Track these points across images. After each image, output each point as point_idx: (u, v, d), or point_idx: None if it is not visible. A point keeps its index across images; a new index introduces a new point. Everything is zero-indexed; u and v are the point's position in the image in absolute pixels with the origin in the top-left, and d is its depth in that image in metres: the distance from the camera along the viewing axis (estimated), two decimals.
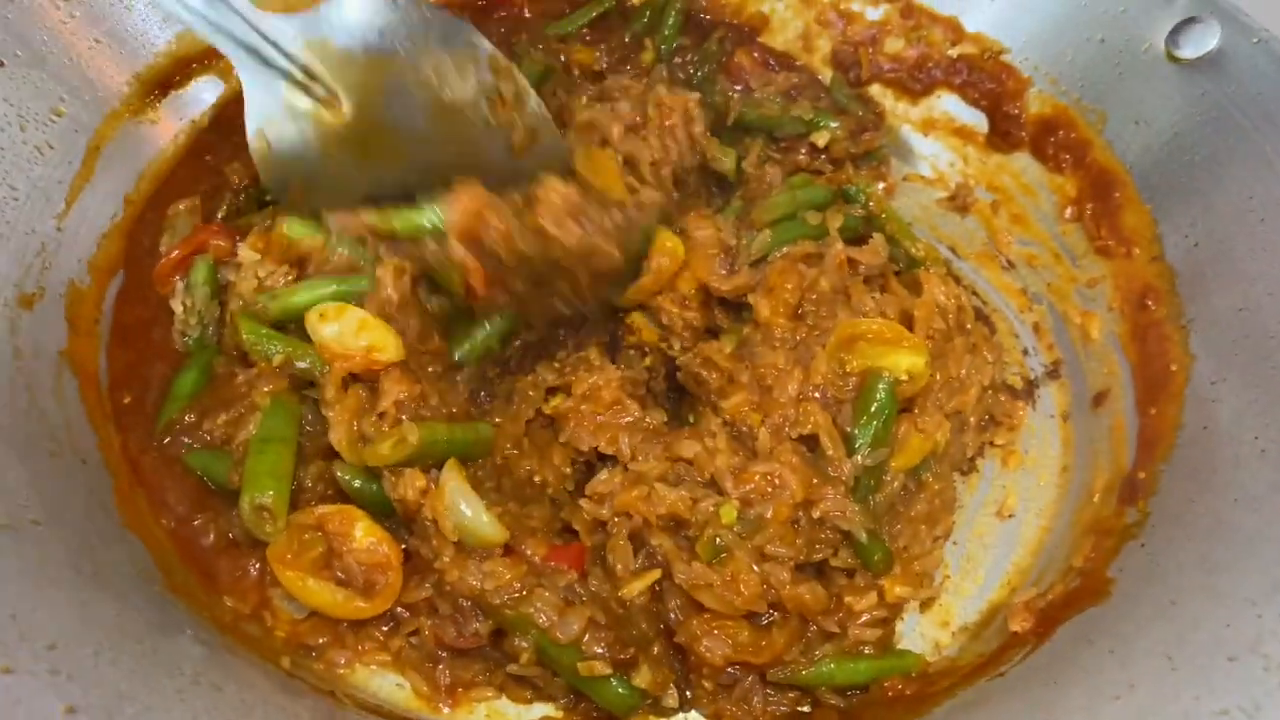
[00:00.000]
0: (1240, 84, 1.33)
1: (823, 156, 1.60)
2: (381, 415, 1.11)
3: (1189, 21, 1.40)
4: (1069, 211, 1.47)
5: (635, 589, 1.07)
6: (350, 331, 1.13)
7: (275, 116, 1.19)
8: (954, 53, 1.60)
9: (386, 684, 1.09)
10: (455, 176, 1.15)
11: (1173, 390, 1.22)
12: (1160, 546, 1.06)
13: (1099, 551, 1.12)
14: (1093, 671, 0.91)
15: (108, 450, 1.13)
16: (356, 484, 1.11)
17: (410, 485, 1.07)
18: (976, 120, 1.59)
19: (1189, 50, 1.39)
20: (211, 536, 1.12)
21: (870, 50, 1.64)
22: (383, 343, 1.13)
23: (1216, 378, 1.18)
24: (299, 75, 1.17)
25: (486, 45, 1.23)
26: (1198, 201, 1.33)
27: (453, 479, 1.09)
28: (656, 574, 1.08)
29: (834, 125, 1.57)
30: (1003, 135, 1.55)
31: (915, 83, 1.62)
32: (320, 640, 1.08)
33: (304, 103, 1.18)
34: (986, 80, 1.57)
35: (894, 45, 1.64)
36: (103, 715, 0.73)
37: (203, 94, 1.45)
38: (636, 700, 1.06)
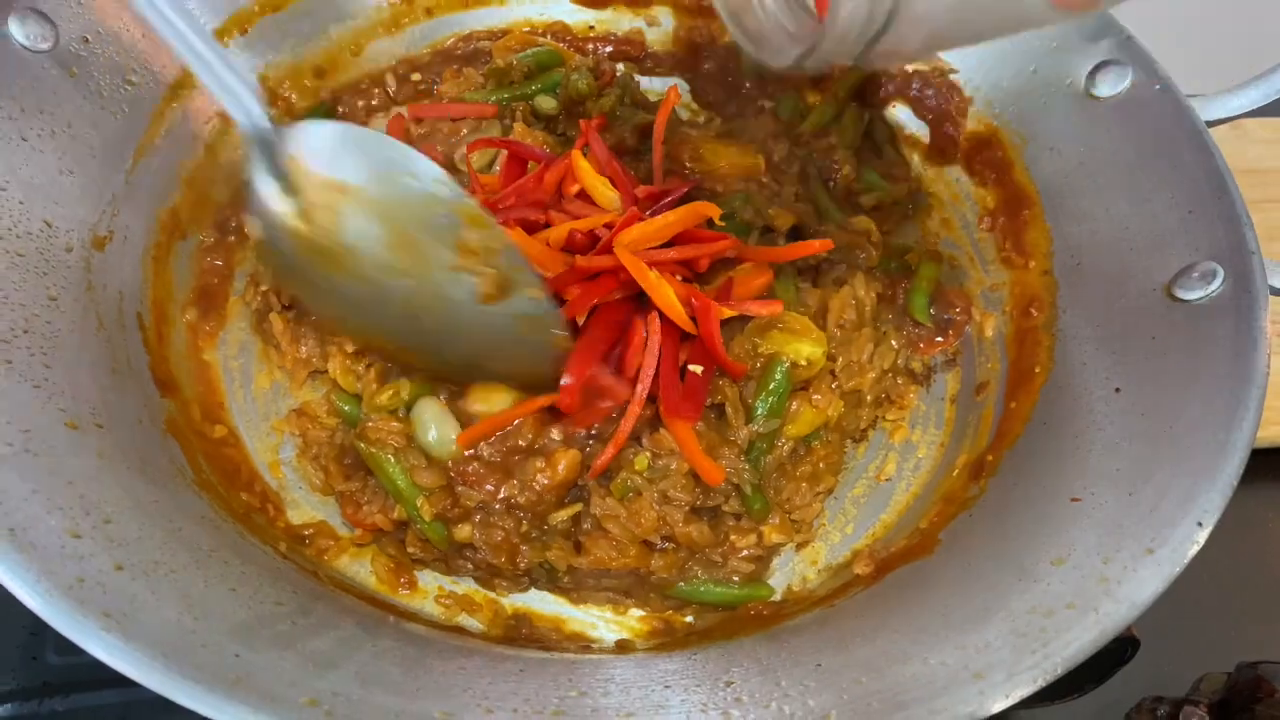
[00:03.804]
0: (1138, 124, 1.53)
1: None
2: (369, 366, 1.40)
3: (1107, 63, 1.58)
4: (986, 222, 1.68)
5: (561, 517, 1.34)
6: None
7: (268, 206, 1.26)
8: (910, 69, 1.79)
9: (363, 570, 1.38)
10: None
11: (1031, 389, 1.45)
12: (979, 518, 1.30)
13: (941, 517, 1.36)
14: (888, 614, 1.17)
15: (158, 370, 1.42)
16: (346, 408, 1.42)
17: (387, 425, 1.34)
18: (922, 131, 1.79)
19: (1105, 89, 1.59)
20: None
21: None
22: None
23: (1064, 383, 1.41)
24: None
25: (454, 193, 1.22)
26: (1088, 226, 1.53)
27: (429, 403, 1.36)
28: (579, 507, 1.35)
29: (880, 182, 1.72)
30: (940, 150, 1.76)
31: (876, 94, 1.82)
32: (310, 531, 1.37)
33: (285, 205, 1.24)
34: (934, 96, 1.77)
35: None
36: (141, 573, 1.02)
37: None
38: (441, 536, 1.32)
